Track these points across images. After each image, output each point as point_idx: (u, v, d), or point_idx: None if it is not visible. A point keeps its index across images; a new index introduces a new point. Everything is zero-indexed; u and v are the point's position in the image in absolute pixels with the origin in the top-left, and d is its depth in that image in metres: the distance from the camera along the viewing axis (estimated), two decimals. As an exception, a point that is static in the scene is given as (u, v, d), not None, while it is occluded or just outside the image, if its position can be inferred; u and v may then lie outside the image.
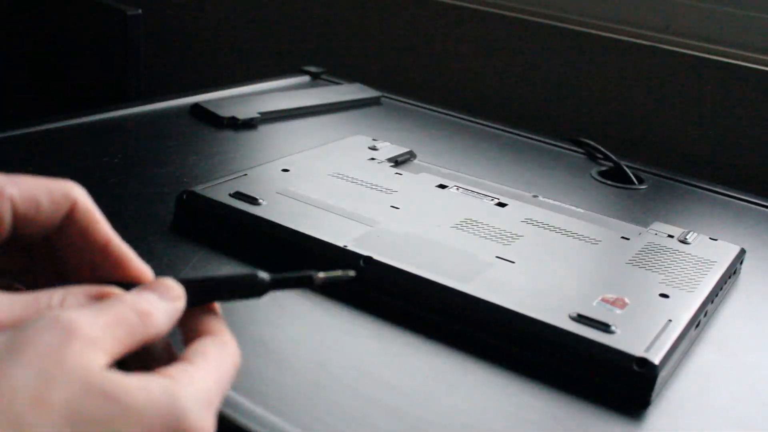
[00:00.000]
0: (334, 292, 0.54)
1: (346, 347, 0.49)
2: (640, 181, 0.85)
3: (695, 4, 1.03)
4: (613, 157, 0.88)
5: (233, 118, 0.87)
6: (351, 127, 0.92)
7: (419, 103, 1.04)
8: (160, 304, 0.32)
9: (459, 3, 1.17)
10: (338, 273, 0.36)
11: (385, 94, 1.05)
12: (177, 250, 0.58)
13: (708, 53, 0.99)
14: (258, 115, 0.89)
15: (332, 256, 0.55)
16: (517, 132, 0.97)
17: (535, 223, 0.63)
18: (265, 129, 0.88)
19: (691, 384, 0.49)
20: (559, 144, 0.94)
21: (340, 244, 0.55)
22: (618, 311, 0.50)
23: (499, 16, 1.13)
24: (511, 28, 1.12)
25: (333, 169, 0.69)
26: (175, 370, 0.30)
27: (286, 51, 1.38)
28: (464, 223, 0.61)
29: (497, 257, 0.56)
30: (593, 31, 1.06)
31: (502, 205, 0.66)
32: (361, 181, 0.68)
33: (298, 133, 0.88)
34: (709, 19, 1.02)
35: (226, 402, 0.42)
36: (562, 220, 0.64)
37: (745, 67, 0.96)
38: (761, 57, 0.97)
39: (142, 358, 0.33)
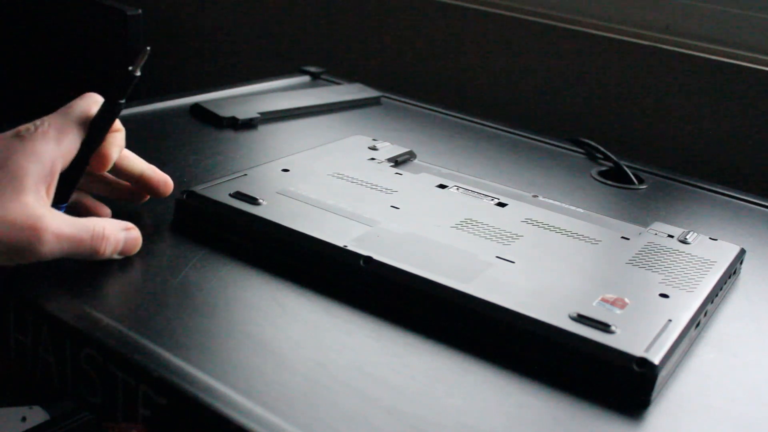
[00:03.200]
0: (334, 292, 0.54)
1: (346, 347, 0.49)
2: (640, 181, 0.85)
3: (695, 4, 1.03)
4: (613, 157, 0.89)
5: (233, 118, 0.87)
6: (351, 127, 0.92)
7: (419, 103, 1.04)
8: (119, 234, 0.54)
9: (459, 3, 1.17)
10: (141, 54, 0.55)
11: (385, 94, 1.05)
12: (177, 250, 0.58)
13: (708, 53, 0.99)
14: (258, 115, 0.89)
15: (332, 255, 0.55)
16: (517, 132, 0.97)
17: (535, 223, 0.63)
18: (265, 129, 0.88)
19: (691, 384, 0.49)
20: (559, 144, 0.94)
21: (340, 244, 0.55)
22: (618, 311, 0.50)
23: (499, 16, 1.13)
24: (511, 28, 1.12)
25: (333, 169, 0.69)
26: None
27: (286, 51, 1.38)
28: (464, 223, 0.61)
29: (497, 257, 0.56)
30: (593, 31, 1.06)
31: (502, 205, 0.66)
32: (361, 181, 0.68)
33: (298, 133, 0.88)
34: (709, 19, 1.02)
35: (227, 402, 0.42)
36: (562, 220, 0.64)
37: (745, 67, 0.96)
38: (761, 57, 0.97)
39: None
